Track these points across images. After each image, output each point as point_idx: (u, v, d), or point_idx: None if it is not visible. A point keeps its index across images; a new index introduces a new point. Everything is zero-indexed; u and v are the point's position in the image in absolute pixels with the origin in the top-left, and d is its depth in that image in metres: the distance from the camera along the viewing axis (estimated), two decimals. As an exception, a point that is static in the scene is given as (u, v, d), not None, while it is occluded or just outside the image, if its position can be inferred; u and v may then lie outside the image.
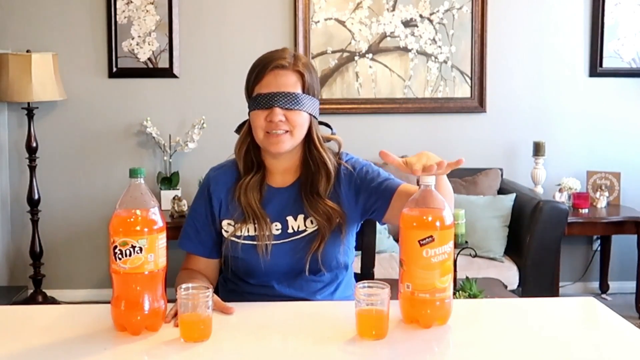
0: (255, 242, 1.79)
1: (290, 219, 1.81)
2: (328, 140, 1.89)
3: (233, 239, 1.80)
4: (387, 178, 1.82)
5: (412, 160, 1.56)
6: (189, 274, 1.82)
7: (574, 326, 1.60)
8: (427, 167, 1.51)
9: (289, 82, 1.76)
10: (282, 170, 1.84)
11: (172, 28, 4.19)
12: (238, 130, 1.88)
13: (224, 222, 1.83)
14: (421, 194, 1.49)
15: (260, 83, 1.77)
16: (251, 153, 1.83)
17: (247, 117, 1.86)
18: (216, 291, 1.89)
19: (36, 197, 4.04)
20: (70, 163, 4.25)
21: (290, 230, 1.80)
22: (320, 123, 1.87)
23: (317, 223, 1.78)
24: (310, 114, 1.79)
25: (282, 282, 1.81)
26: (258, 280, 1.81)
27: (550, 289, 3.70)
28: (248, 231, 1.80)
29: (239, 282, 1.85)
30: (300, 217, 1.81)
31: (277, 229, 1.80)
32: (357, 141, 4.23)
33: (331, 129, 1.91)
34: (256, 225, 1.78)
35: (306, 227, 1.81)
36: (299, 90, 1.76)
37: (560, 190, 4.15)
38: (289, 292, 1.80)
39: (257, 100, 1.76)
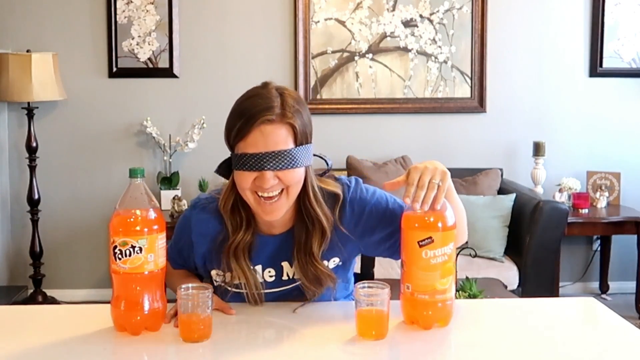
0: (245, 291, 1.62)
1: (285, 264, 1.64)
2: (324, 173, 1.68)
3: (223, 285, 1.65)
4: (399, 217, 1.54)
5: (411, 174, 1.47)
6: (186, 273, 1.78)
7: (574, 326, 1.60)
8: (417, 201, 1.42)
9: (279, 139, 1.49)
10: (275, 224, 1.63)
11: (172, 28, 4.19)
12: (219, 171, 1.62)
13: (213, 273, 1.67)
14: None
15: (244, 140, 1.50)
16: (239, 209, 1.61)
17: (225, 159, 1.62)
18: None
19: (36, 197, 4.04)
20: (70, 163, 4.25)
21: (284, 278, 1.65)
22: (315, 156, 1.62)
23: (306, 288, 1.61)
24: (305, 166, 1.56)
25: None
26: None
27: (550, 289, 3.70)
28: (239, 279, 1.62)
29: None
30: (296, 263, 1.63)
31: (271, 276, 1.64)
32: (357, 141, 4.25)
33: (327, 162, 1.66)
34: (245, 281, 1.61)
35: None
36: (291, 145, 1.51)
37: (560, 190, 4.15)
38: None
39: (243, 160, 1.50)
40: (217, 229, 1.64)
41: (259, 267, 1.64)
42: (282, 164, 1.49)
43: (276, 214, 1.55)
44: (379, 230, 1.63)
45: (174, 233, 1.76)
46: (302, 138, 1.53)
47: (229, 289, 1.64)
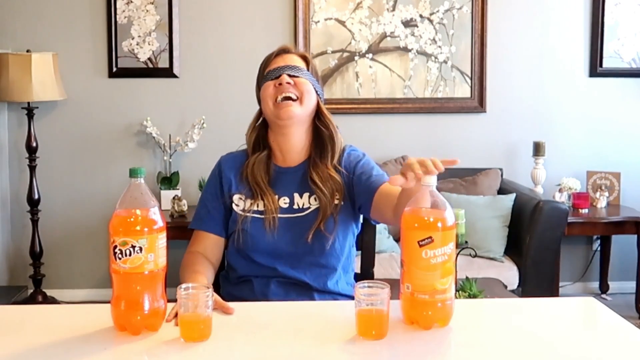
0: (263, 216, 1.87)
1: (296, 196, 1.90)
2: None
3: (242, 213, 1.88)
4: (375, 175, 1.89)
5: (407, 160, 1.54)
6: (193, 261, 1.87)
7: (574, 326, 1.60)
8: (428, 169, 1.47)
9: (294, 60, 1.93)
10: (291, 149, 1.93)
11: (172, 28, 4.19)
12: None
13: (235, 197, 1.92)
14: (422, 194, 1.48)
15: (269, 65, 1.92)
16: (260, 141, 1.95)
17: (249, 119, 1.96)
18: (217, 289, 1.91)
19: (36, 197, 4.04)
20: (70, 163, 4.25)
21: (295, 207, 1.89)
22: None
23: (320, 195, 1.86)
24: (315, 90, 1.91)
25: (286, 264, 1.85)
26: (263, 259, 1.85)
27: (550, 289, 3.70)
28: (257, 206, 1.88)
29: (244, 265, 1.88)
30: (306, 195, 1.89)
31: (285, 203, 1.89)
32: (357, 141, 4.19)
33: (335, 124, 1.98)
34: (264, 201, 1.87)
35: (310, 204, 1.88)
36: (303, 67, 1.92)
37: (560, 190, 4.15)
38: (292, 273, 1.85)
39: (267, 75, 1.91)
40: (243, 160, 1.96)
41: (275, 196, 1.89)
42: (295, 71, 1.89)
43: (290, 110, 1.86)
44: (365, 182, 1.88)
45: (203, 189, 2.02)
46: (312, 71, 1.94)
47: (249, 215, 1.87)
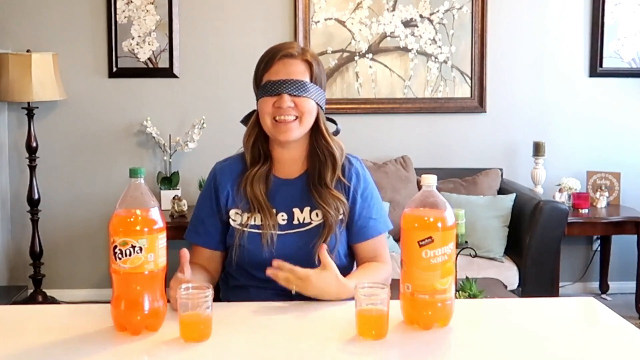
0: (260, 231, 1.81)
1: (296, 210, 1.83)
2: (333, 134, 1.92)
3: (239, 227, 1.83)
4: (373, 219, 1.86)
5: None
6: (192, 271, 1.82)
7: (574, 326, 1.60)
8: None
9: (297, 70, 1.80)
10: (290, 161, 1.87)
11: (172, 28, 4.19)
12: (244, 121, 1.92)
13: (232, 212, 1.85)
14: (422, 194, 1.49)
15: (269, 71, 1.81)
16: (258, 144, 1.87)
17: (250, 111, 1.91)
18: (217, 290, 1.91)
19: (36, 197, 4.04)
20: (70, 163, 4.25)
21: (295, 222, 1.83)
22: (327, 119, 1.91)
23: (325, 214, 1.80)
24: (317, 103, 1.82)
25: None
26: (262, 274, 1.81)
27: (550, 289, 3.70)
28: (255, 220, 1.82)
29: (243, 276, 1.85)
30: (307, 209, 1.83)
31: (284, 219, 1.83)
32: (357, 141, 4.24)
33: (336, 124, 1.95)
34: (262, 215, 1.81)
35: (311, 219, 1.83)
36: (307, 78, 1.81)
37: (560, 191, 4.15)
38: None
39: (266, 87, 1.80)
40: (239, 170, 1.88)
41: (273, 211, 1.83)
42: (297, 90, 1.78)
43: (290, 134, 1.80)
44: (358, 225, 1.85)
45: (198, 199, 1.94)
46: (316, 79, 1.82)
47: (245, 230, 1.82)
